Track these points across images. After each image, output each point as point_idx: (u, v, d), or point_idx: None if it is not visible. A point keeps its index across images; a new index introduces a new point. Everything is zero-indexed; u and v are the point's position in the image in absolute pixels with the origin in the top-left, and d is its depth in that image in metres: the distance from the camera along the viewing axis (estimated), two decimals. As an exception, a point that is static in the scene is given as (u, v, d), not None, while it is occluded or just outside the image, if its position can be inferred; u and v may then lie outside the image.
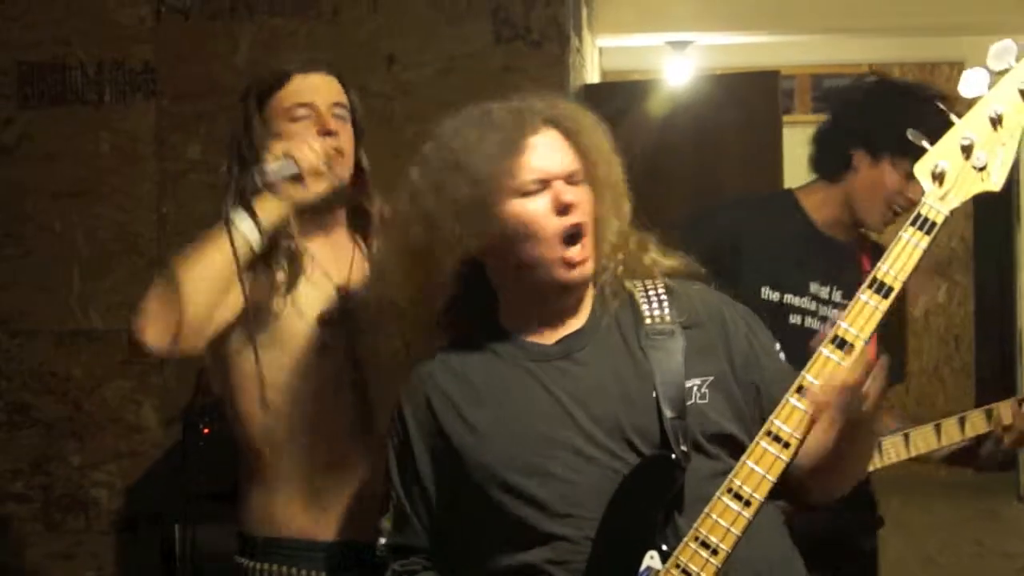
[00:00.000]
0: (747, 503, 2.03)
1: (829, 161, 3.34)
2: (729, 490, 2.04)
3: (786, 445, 2.04)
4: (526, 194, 2.15)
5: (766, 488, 2.03)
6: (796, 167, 3.68)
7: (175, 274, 2.46)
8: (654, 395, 2.14)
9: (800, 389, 2.04)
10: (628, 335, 2.23)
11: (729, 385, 2.22)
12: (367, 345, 2.61)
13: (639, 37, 7.02)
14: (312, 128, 2.60)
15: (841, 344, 2.03)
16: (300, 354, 2.61)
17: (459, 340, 2.30)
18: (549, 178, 2.16)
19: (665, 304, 2.26)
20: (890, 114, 3.15)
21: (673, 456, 2.09)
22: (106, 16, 4.47)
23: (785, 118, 5.99)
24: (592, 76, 6.30)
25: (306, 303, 2.61)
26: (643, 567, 2.06)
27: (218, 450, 3.95)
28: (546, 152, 2.17)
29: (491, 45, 4.39)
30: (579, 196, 2.17)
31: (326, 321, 2.61)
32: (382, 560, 2.36)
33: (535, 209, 2.15)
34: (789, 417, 2.04)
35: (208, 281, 2.46)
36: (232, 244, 2.47)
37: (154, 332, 2.43)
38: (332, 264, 2.67)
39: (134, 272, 4.46)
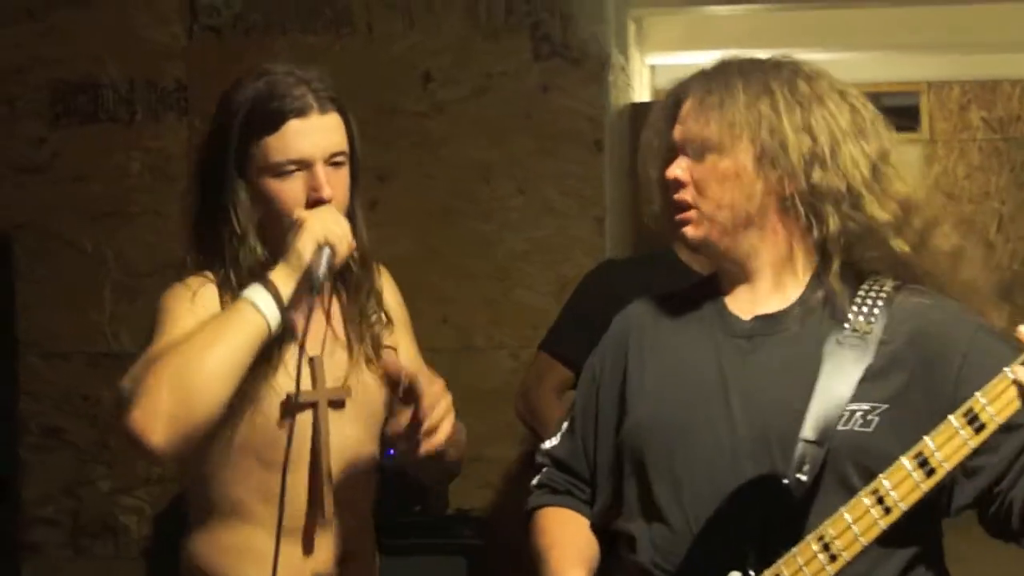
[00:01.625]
0: (833, 557, 1.92)
1: None
2: (820, 537, 1.93)
3: (888, 510, 1.91)
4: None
5: (856, 550, 1.91)
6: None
7: (187, 364, 2.09)
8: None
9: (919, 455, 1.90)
10: (823, 334, 2.06)
11: (911, 418, 1.98)
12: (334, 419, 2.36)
13: (691, 55, 6.89)
14: (301, 188, 2.26)
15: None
16: (266, 429, 2.32)
17: (682, 290, 2.26)
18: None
19: (876, 310, 2.06)
20: None
21: (786, 481, 1.96)
22: (138, 34, 4.41)
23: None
24: (642, 95, 6.18)
25: (282, 380, 2.30)
26: None
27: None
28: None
29: (529, 62, 4.29)
30: (691, 168, 2.10)
31: (290, 398, 2.28)
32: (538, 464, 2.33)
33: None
34: (900, 483, 1.91)
35: (226, 378, 2.11)
36: (252, 336, 2.14)
37: (164, 434, 2.08)
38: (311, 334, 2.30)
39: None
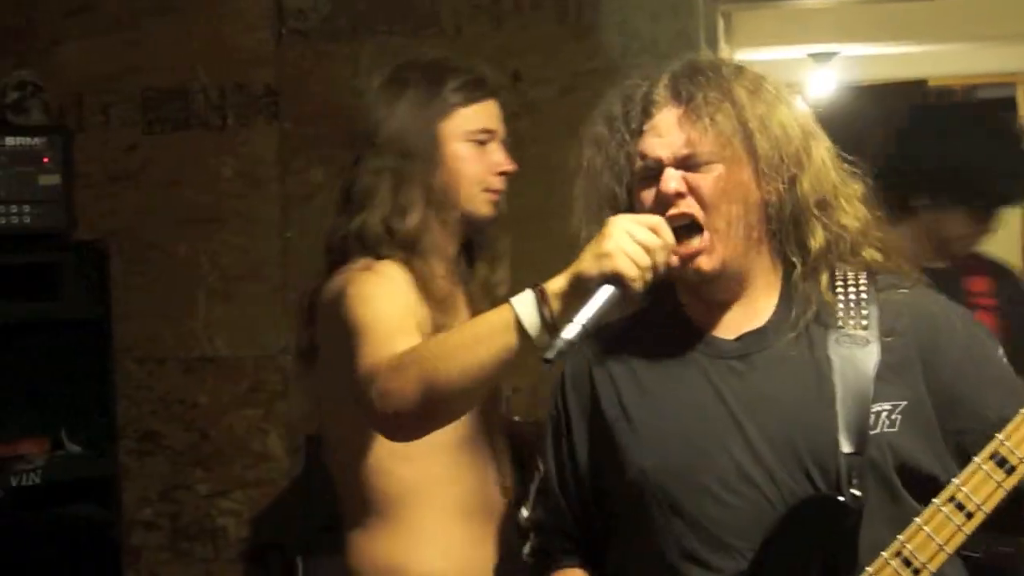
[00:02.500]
0: (916, 572, 1.86)
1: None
2: (898, 553, 1.86)
3: (970, 516, 1.84)
4: (642, 179, 1.98)
5: (941, 560, 1.85)
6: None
7: (444, 368, 2.04)
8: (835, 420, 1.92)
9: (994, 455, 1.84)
10: (816, 340, 1.98)
11: (926, 413, 1.96)
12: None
13: (781, 50, 6.84)
14: (487, 157, 2.51)
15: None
16: None
17: (632, 315, 2.09)
18: (659, 163, 1.96)
19: (863, 307, 1.99)
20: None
21: (842, 499, 1.88)
22: (228, 40, 4.43)
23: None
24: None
25: None
26: None
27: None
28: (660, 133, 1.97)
29: (618, 60, 4.25)
30: (694, 182, 1.95)
31: None
32: (523, 532, 2.25)
33: (645, 196, 1.98)
34: (979, 487, 1.85)
35: (479, 381, 2.05)
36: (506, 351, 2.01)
37: (415, 432, 2.18)
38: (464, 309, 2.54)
39: (259, 298, 4.41)
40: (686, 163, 1.96)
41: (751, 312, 2.03)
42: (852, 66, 7.22)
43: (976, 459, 1.85)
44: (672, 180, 1.95)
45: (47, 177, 4.07)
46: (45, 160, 4.06)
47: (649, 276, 1.89)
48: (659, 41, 4.24)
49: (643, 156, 1.98)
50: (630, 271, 1.87)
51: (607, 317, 1.91)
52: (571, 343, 1.85)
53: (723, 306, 2.03)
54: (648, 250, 1.88)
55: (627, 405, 2.03)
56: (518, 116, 4.24)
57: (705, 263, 1.96)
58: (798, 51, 6.88)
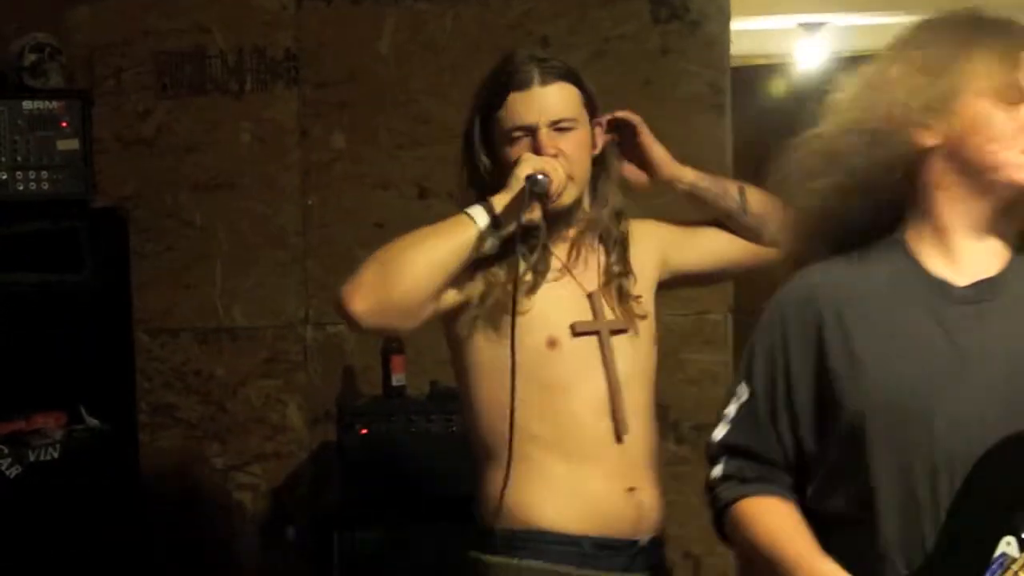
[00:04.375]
0: None
1: None
2: None
3: None
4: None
5: None
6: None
7: (397, 250, 2.47)
8: None
9: None
10: None
11: None
12: (623, 351, 2.60)
13: (771, 19, 6.81)
14: (527, 149, 2.55)
15: None
16: (548, 349, 2.56)
17: (855, 258, 2.09)
18: None
19: None
20: None
21: None
22: (246, 3, 4.32)
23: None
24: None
25: (555, 303, 2.58)
26: (998, 552, 1.87)
27: (376, 452, 3.82)
28: None
29: (648, 26, 4.20)
30: None
31: (576, 322, 2.59)
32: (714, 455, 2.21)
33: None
34: None
35: (430, 267, 2.45)
36: (462, 238, 2.48)
37: (363, 302, 2.43)
38: (581, 271, 2.64)
39: (278, 267, 4.32)
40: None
41: (985, 259, 2.03)
42: (842, 36, 7.20)
43: None
44: None
45: (65, 142, 3.95)
46: (63, 124, 3.94)
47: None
48: (690, 8, 4.19)
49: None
50: (548, 166, 2.48)
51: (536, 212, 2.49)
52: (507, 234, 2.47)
53: (962, 248, 2.03)
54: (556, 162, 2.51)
55: (854, 344, 2.02)
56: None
57: None
58: (788, 20, 6.85)
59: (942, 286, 2.02)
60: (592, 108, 2.64)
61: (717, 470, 2.17)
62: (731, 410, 2.17)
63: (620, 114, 2.74)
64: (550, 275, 2.59)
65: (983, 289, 2.01)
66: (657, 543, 2.63)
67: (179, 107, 4.35)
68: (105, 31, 4.34)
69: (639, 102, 4.13)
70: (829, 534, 2.04)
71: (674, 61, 4.20)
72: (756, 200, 2.71)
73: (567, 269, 2.61)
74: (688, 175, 2.77)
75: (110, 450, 4.04)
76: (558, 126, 2.54)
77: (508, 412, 2.47)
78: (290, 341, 4.33)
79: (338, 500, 3.90)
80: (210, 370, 4.37)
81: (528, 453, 2.50)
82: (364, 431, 3.81)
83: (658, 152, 2.77)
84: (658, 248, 2.74)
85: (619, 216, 2.67)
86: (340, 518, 3.83)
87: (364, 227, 4.20)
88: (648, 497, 2.60)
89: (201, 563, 4.38)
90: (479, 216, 2.48)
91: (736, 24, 6.51)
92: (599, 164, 2.66)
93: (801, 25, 6.91)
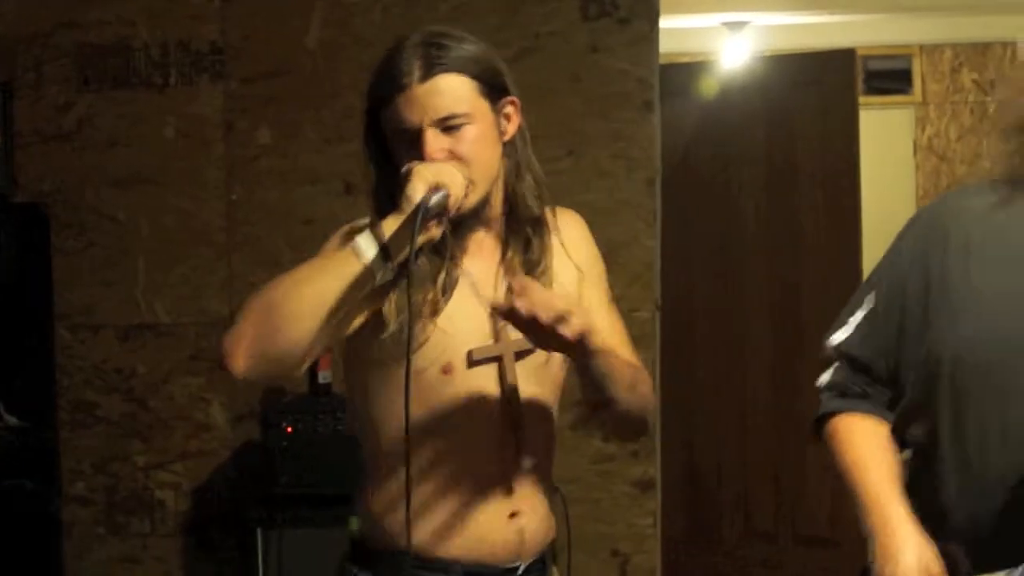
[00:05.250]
0: None
1: None
2: None
3: None
4: None
5: None
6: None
7: (280, 295, 2.14)
8: None
9: None
10: None
11: None
12: (527, 375, 2.38)
13: (695, 18, 6.84)
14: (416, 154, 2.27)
15: None
16: (442, 375, 2.34)
17: (1005, 192, 2.08)
18: None
19: None
20: None
21: None
22: (171, -5, 4.26)
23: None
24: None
25: (457, 324, 2.33)
26: None
27: (302, 450, 3.79)
28: None
29: (577, 23, 4.18)
30: None
31: (473, 349, 2.34)
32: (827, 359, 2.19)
33: None
34: None
35: (314, 313, 2.13)
36: (348, 276, 2.15)
37: (246, 358, 2.14)
38: (489, 281, 2.38)
39: (202, 263, 4.27)
40: None
41: None
42: (765, 35, 7.25)
43: None
44: None
45: (-16, 136, 3.89)
46: (-18, 118, 3.88)
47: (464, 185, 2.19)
48: (619, 5, 4.18)
49: None
50: (444, 176, 2.16)
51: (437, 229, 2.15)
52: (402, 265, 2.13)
53: None
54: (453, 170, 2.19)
55: (973, 273, 2.03)
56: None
57: None
58: (713, 19, 6.89)
59: None
60: (496, 94, 2.31)
61: (825, 376, 2.19)
62: (855, 317, 2.17)
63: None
64: (455, 291, 2.34)
65: None
66: (540, 565, 2.48)
67: (101, 100, 4.28)
68: (27, 22, 4.26)
69: (568, 99, 4.19)
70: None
71: (604, 58, 4.18)
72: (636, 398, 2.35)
73: (473, 284, 2.36)
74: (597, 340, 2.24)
75: (29, 448, 3.99)
76: (446, 124, 2.24)
77: (396, 435, 2.27)
78: (214, 338, 4.26)
79: (262, 498, 3.87)
80: (132, 367, 4.30)
81: (412, 476, 2.25)
82: (290, 429, 3.78)
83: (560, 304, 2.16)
84: (580, 280, 2.46)
85: (540, 201, 2.40)
86: (264, 517, 3.79)
87: (289, 223, 4.16)
88: (531, 521, 2.43)
89: (121, 562, 4.32)
90: (367, 248, 2.15)
91: (662, 22, 6.58)
92: (510, 152, 2.35)
93: (725, 24, 6.94)
